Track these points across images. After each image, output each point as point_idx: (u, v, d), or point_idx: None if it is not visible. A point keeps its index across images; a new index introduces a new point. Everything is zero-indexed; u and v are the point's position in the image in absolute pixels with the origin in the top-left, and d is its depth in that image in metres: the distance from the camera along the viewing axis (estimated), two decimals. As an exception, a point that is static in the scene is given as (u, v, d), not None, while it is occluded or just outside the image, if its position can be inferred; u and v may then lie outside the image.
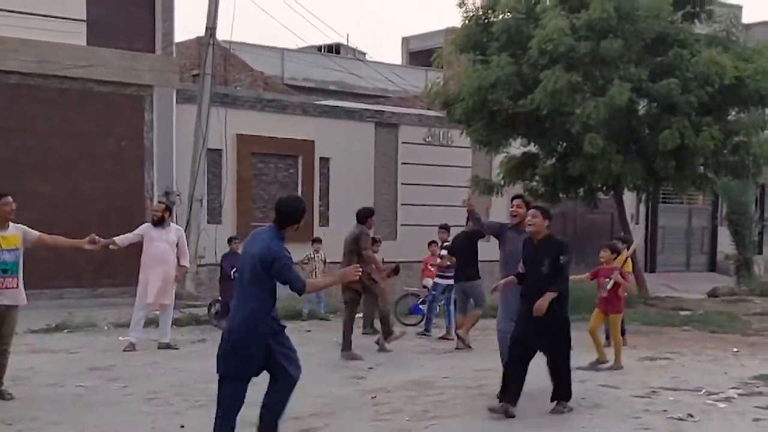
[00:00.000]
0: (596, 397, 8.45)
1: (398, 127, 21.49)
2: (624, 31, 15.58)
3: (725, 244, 26.12)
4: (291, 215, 6.11)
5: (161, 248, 11.08)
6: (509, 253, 8.37)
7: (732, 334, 13.80)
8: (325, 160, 20.20)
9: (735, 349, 12.06)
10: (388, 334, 11.22)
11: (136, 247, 11.21)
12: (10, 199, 7.81)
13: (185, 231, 13.22)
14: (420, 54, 33.10)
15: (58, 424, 7.18)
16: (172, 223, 11.44)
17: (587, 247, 23.12)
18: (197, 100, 17.05)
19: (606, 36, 15.47)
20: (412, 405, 8.04)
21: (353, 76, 28.76)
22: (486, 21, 17.57)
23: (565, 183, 17.42)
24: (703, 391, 8.88)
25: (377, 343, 11.44)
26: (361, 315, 12.78)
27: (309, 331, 13.35)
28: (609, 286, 10.17)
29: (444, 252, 12.83)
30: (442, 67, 19.37)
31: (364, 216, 11.23)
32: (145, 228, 11.28)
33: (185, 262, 11.49)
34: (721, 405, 8.24)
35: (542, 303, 7.41)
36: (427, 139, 21.82)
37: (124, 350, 11.03)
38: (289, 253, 6.01)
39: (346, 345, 10.80)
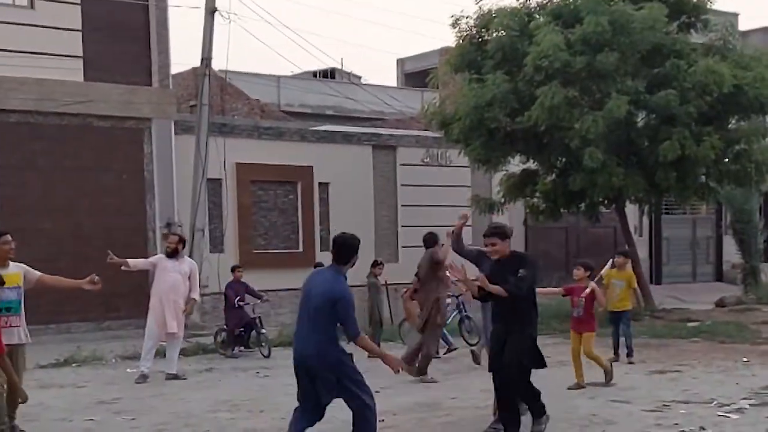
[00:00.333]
0: (608, 413, 8.38)
1: (396, 149, 21.50)
2: (619, 44, 15.62)
3: (731, 253, 26.00)
4: (351, 250, 6.53)
5: (174, 278, 11.21)
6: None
7: (741, 344, 13.72)
8: (324, 185, 20.20)
9: (745, 359, 11.98)
10: (422, 372, 10.97)
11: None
12: (9, 237, 7.79)
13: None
14: (415, 75, 33.17)
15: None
16: (185, 256, 11.53)
17: (591, 262, 23.14)
18: (195, 130, 17.09)
19: (601, 50, 15.51)
20: (422, 427, 7.99)
21: (349, 100, 28.83)
22: (480, 40, 17.64)
23: (566, 198, 17.41)
24: (715, 402, 8.82)
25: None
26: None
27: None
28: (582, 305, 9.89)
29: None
30: (438, 88, 19.43)
31: (433, 241, 11.32)
32: (159, 258, 11.59)
33: (195, 295, 11.54)
34: (734, 416, 8.18)
35: (487, 285, 7.09)
36: (425, 160, 21.81)
37: (136, 382, 11.03)
38: (352, 295, 6.44)
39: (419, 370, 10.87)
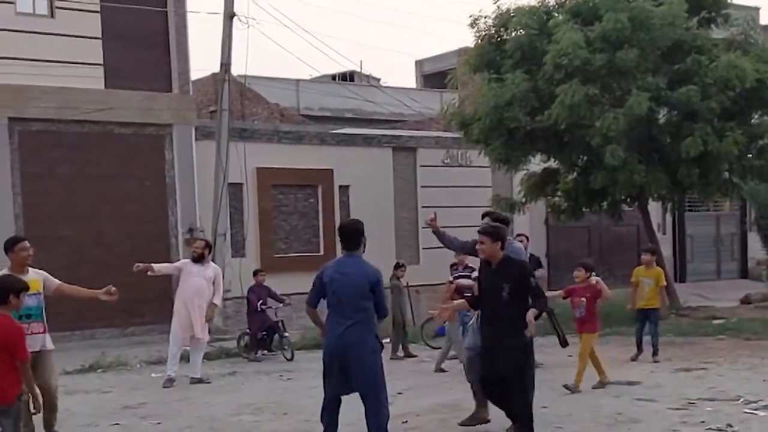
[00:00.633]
0: (633, 412, 8.32)
1: (416, 151, 21.49)
2: (639, 41, 15.52)
3: (756, 249, 25.72)
4: (358, 233, 6.69)
5: (198, 283, 11.27)
6: None
7: (767, 341, 13.57)
8: (344, 188, 20.22)
9: (772, 356, 11.86)
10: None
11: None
12: (27, 244, 7.74)
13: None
14: (434, 76, 33.16)
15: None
16: (210, 261, 11.61)
17: (614, 261, 22.99)
18: (216, 136, 17.15)
19: (621, 46, 15.42)
20: (445, 428, 7.97)
21: (369, 102, 28.84)
22: (499, 39, 17.59)
23: (588, 197, 17.30)
24: (741, 400, 8.73)
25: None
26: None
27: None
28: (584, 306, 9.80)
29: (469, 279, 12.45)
30: (457, 88, 19.39)
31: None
32: (185, 263, 11.63)
33: (217, 300, 11.56)
34: (761, 413, 8.09)
35: (531, 320, 6.93)
36: (445, 161, 21.79)
37: (164, 386, 11.08)
38: None
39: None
